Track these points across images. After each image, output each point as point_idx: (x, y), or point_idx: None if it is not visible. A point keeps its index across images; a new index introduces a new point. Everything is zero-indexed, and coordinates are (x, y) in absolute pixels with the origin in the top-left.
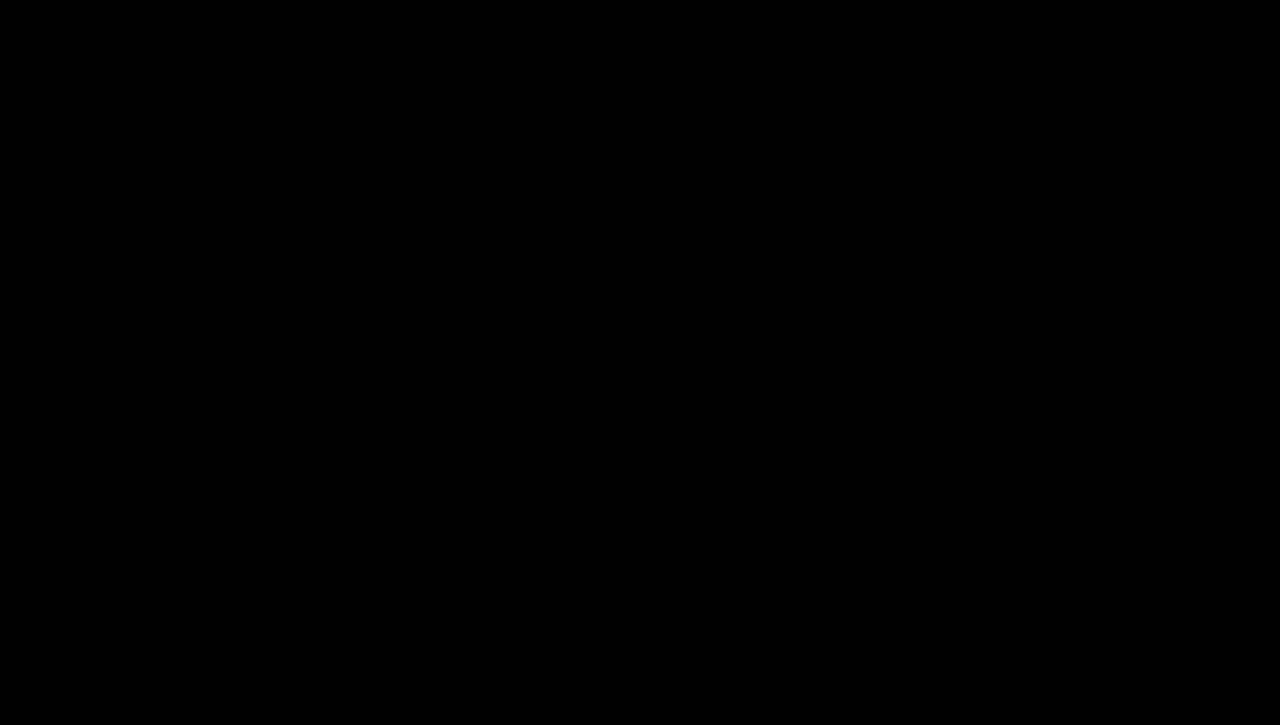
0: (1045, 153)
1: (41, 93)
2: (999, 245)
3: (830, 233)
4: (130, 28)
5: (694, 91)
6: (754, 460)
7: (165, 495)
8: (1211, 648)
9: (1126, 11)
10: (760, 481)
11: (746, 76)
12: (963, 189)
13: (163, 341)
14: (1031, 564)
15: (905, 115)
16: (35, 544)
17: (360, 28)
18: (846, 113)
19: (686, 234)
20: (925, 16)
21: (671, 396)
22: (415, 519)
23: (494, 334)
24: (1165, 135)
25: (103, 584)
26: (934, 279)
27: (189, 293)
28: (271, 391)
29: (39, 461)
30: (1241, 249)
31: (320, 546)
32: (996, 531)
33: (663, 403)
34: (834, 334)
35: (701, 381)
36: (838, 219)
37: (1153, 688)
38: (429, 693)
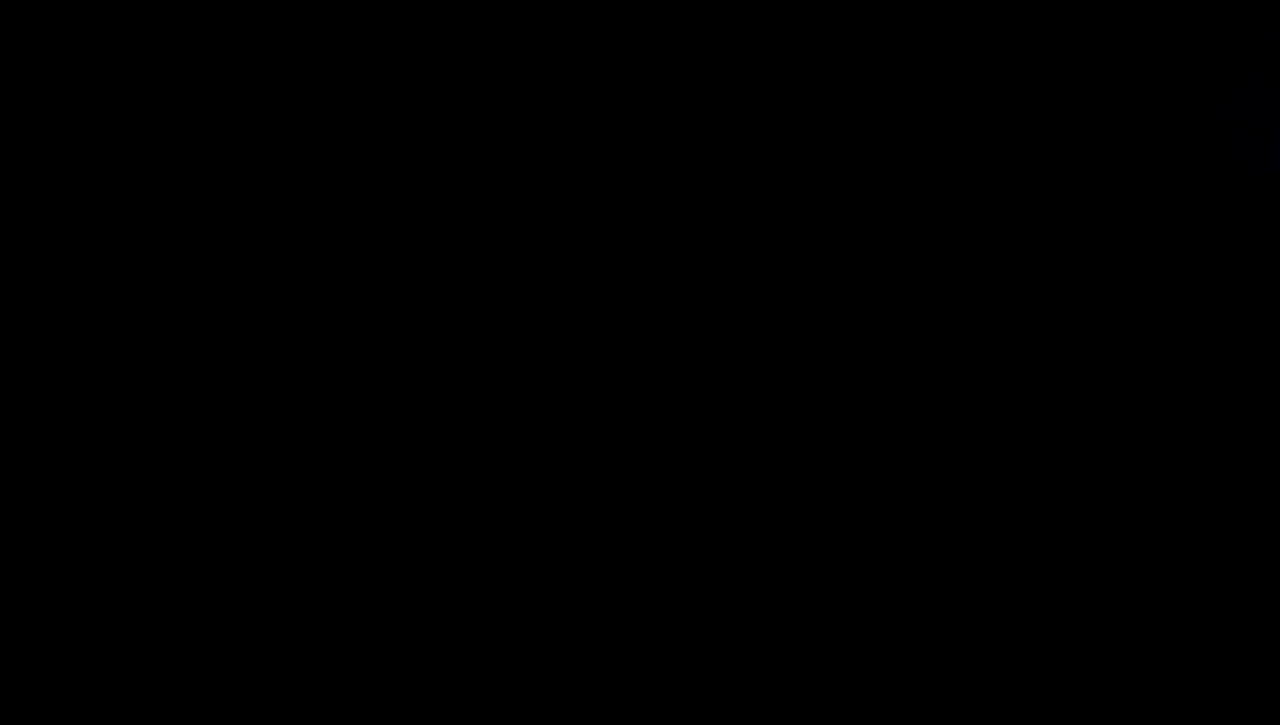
0: (1045, 152)
1: (41, 93)
2: (1000, 244)
3: (836, 234)
4: (130, 28)
5: (694, 92)
6: (754, 460)
7: (165, 495)
8: (1211, 648)
9: (1127, 12)
10: (760, 481)
11: (746, 77)
12: (964, 188)
13: (163, 342)
14: (1032, 563)
15: (906, 116)
16: (35, 544)
17: (360, 28)
18: (847, 114)
19: (686, 234)
20: (927, 16)
21: (671, 397)
22: (415, 519)
23: (494, 334)
24: (1165, 135)
25: (103, 584)
26: (934, 279)
27: (189, 293)
28: (271, 391)
29: (39, 461)
30: (1241, 248)
31: (320, 546)
32: (998, 530)
33: (662, 403)
34: (839, 334)
35: (701, 382)
36: (842, 221)
37: (1153, 688)
38: (429, 693)
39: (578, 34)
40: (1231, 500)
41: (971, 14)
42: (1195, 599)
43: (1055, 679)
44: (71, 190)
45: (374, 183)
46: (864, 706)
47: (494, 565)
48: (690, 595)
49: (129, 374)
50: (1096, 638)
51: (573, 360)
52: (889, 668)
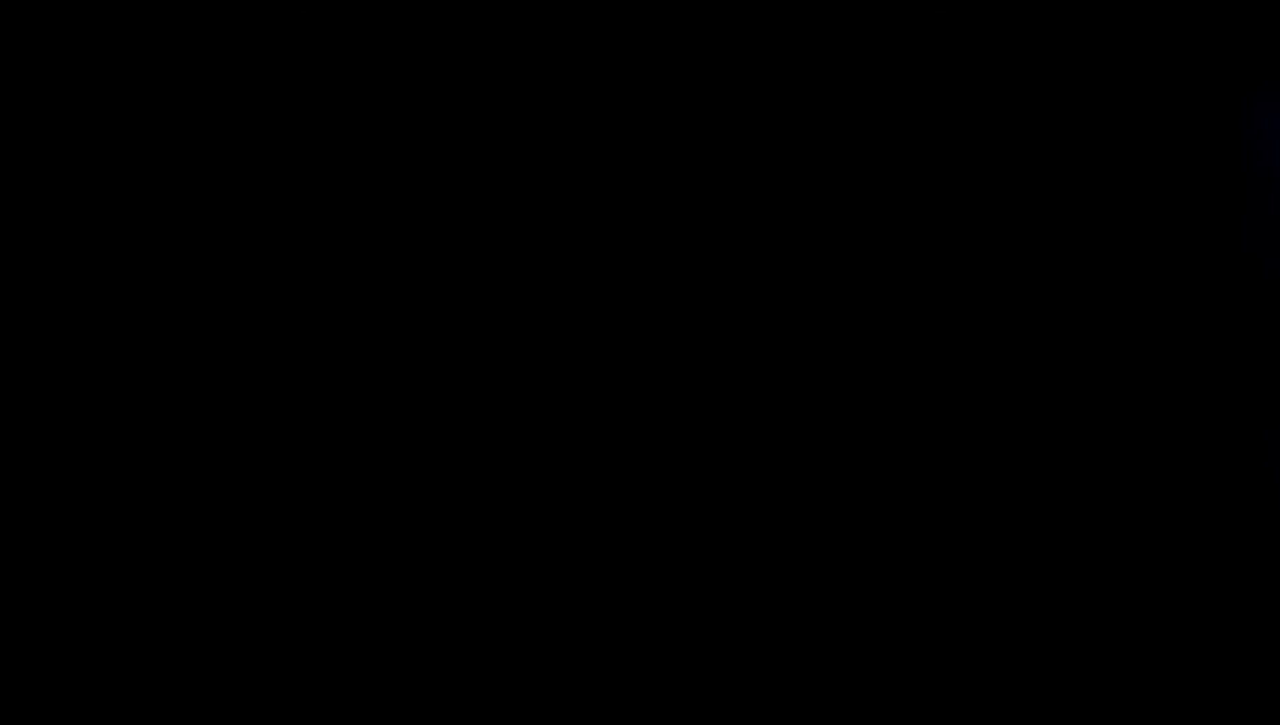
0: (1056, 154)
1: (41, 93)
2: (1010, 243)
3: (848, 234)
4: (130, 28)
5: (694, 91)
6: (753, 460)
7: (165, 495)
8: (1212, 647)
9: (1146, 14)
10: (759, 482)
11: (746, 76)
12: (979, 184)
13: (163, 342)
14: (1032, 562)
15: (912, 126)
16: (35, 544)
17: (360, 28)
18: (855, 115)
19: (686, 235)
20: (941, 24)
21: (671, 397)
22: (415, 519)
23: (493, 334)
24: (1180, 138)
25: (103, 584)
26: (945, 283)
27: (189, 293)
28: (271, 392)
29: (39, 462)
30: (1251, 252)
31: (320, 547)
32: (1000, 527)
33: (662, 403)
34: (840, 334)
35: (701, 383)
36: (842, 221)
37: (1153, 688)
38: (429, 693)
39: (578, 34)
40: (1234, 501)
41: (988, 19)
42: (1194, 599)
43: (1055, 679)
44: (71, 190)
45: (374, 183)
46: (864, 707)
47: (494, 565)
48: (690, 595)
49: (129, 374)
50: (1096, 638)
51: (572, 360)
52: (889, 668)
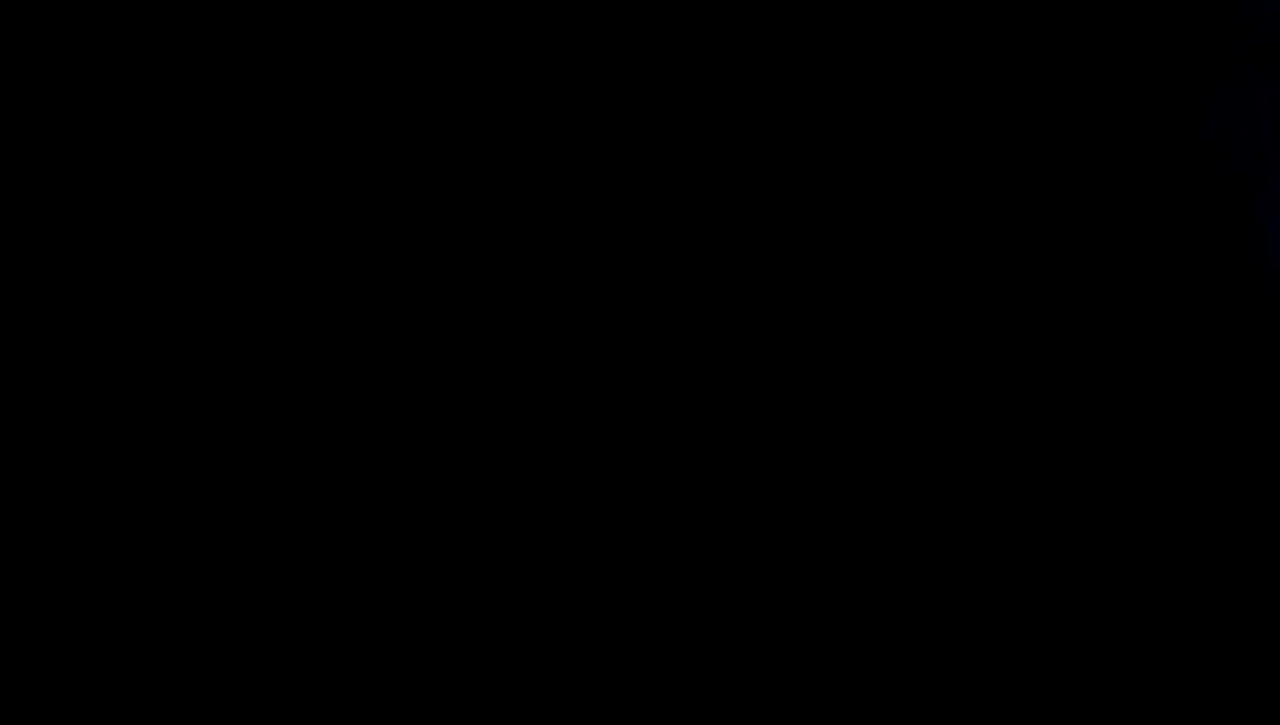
0: (1046, 153)
1: (41, 93)
2: (1001, 242)
3: (820, 234)
4: (130, 28)
5: (694, 91)
6: (753, 460)
7: (165, 495)
8: (1211, 647)
9: (1119, 9)
10: (759, 481)
11: (746, 76)
12: (969, 180)
13: (163, 342)
14: (1031, 563)
15: (904, 122)
16: (35, 544)
17: (360, 28)
18: (836, 116)
19: (686, 234)
20: (933, 13)
21: (671, 397)
22: (415, 519)
23: (493, 334)
24: (1155, 135)
25: (103, 584)
26: (936, 278)
27: (189, 293)
28: (271, 392)
29: (39, 462)
30: (1238, 245)
31: (320, 547)
32: (996, 530)
33: (662, 403)
34: (827, 333)
35: (701, 382)
36: (828, 220)
37: (1152, 688)
38: (429, 693)
39: (578, 34)
40: (1233, 498)
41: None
42: (1194, 599)
43: (1055, 679)
44: (71, 190)
45: (374, 183)
46: (864, 707)
47: (494, 565)
48: (690, 595)
49: (129, 374)
50: (1096, 638)
51: (572, 360)
52: (889, 668)
